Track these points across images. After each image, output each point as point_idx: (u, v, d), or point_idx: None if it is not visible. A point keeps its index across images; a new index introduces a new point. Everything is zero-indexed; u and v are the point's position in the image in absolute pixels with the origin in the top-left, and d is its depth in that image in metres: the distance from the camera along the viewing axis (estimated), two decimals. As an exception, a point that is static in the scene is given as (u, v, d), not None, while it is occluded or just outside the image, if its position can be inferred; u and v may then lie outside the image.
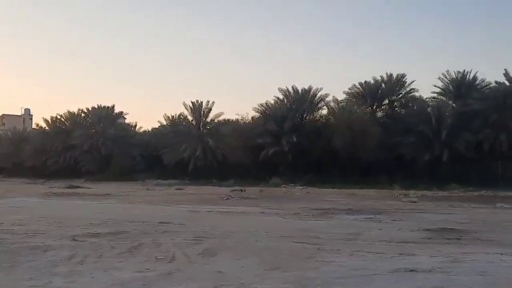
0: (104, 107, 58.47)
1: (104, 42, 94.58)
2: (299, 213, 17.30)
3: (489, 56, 75.36)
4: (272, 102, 46.77)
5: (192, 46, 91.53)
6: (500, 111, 37.36)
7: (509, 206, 21.52)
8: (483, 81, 43.82)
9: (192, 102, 51.08)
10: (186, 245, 9.48)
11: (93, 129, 57.61)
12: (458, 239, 11.00)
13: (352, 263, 7.99)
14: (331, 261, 8.15)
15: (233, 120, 51.00)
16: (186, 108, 51.55)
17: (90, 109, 59.47)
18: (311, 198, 26.43)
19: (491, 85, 42.72)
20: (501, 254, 8.87)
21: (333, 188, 34.63)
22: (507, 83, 41.00)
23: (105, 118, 57.42)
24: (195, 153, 48.08)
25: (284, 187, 37.13)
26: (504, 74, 41.81)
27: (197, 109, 50.87)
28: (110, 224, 12.91)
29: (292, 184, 38.33)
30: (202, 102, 50.75)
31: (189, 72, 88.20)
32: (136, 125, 61.24)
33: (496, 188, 32.76)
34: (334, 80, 79.11)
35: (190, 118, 52.17)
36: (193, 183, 42.54)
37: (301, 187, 36.28)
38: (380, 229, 12.77)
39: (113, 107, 58.58)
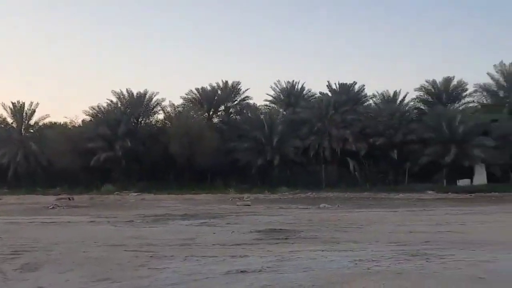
0: None
1: None
2: (132, 221, 16.67)
3: (315, 67, 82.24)
4: (105, 105, 44.89)
5: (17, 42, 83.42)
6: (324, 120, 40.89)
7: (331, 206, 23.53)
8: (309, 92, 47.82)
9: (12, 103, 46.41)
10: (2, 261, 8.44)
11: None
12: (286, 238, 11.57)
13: (186, 268, 7.85)
14: (164, 268, 7.91)
15: (61, 123, 47.60)
16: (5, 109, 46.71)
17: None
18: (146, 205, 25.80)
19: (316, 96, 46.68)
20: (323, 250, 9.52)
21: (169, 194, 34.37)
22: (329, 94, 45.11)
23: None
24: (16, 158, 43.67)
25: (117, 194, 35.73)
26: (327, 85, 46.05)
27: (19, 110, 46.28)
28: None
29: (126, 191, 37.06)
30: (24, 103, 46.37)
31: (10, 70, 79.99)
32: None
33: (320, 190, 35.78)
34: (171, 85, 78.60)
35: (10, 120, 47.35)
36: (14, 191, 38.63)
37: (136, 194, 35.28)
38: (214, 233, 12.87)
39: None
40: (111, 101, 45.00)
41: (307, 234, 12.37)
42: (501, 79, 42.64)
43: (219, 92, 47.02)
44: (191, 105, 46.32)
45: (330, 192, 34.16)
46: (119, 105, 45.04)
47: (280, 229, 13.59)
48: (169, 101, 45.44)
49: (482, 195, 31.36)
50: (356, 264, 8.08)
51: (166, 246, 10.38)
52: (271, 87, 48.34)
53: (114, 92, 44.93)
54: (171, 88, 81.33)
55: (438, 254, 8.89)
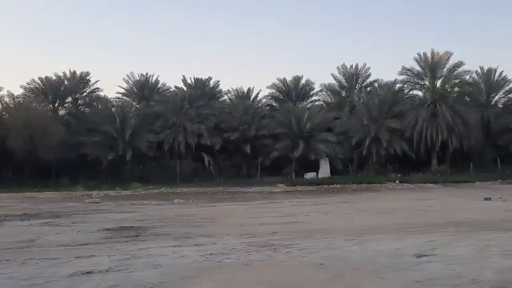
0: None
1: None
2: (-42, 224, 14.82)
3: (170, 61, 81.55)
4: None
5: None
6: (179, 114, 40.67)
7: (185, 201, 23.46)
8: (164, 85, 47.22)
9: None
10: None
11: None
12: (136, 236, 11.23)
13: (24, 273, 7.26)
14: (-3, 274, 7.17)
15: None
16: None
17: None
18: (-22, 205, 23.14)
19: (171, 89, 46.27)
20: (174, 246, 9.42)
21: (7, 192, 31.13)
22: (185, 88, 45.04)
23: None
24: None
25: None
26: (182, 80, 45.92)
27: None
28: None
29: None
30: None
31: None
32: None
33: (174, 185, 35.43)
34: (10, 74, 71.64)
35: None
36: None
37: (-36, 194, 31.43)
38: (58, 233, 12.01)
39: None
40: None
41: (159, 231, 12.15)
42: (343, 80, 46.49)
43: (66, 82, 44.00)
44: (33, 95, 42.70)
45: (185, 187, 33.99)
46: None
47: (131, 226, 13.17)
48: (8, 90, 41.39)
49: (326, 187, 33.83)
50: (207, 258, 8.14)
51: (0, 250, 9.43)
52: (124, 79, 46.83)
53: None
54: (10, 77, 74.14)
55: (285, 244, 9.34)
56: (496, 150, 40.55)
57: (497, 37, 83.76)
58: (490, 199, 20.33)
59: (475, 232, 10.73)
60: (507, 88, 43.57)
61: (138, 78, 46.68)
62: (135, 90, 46.70)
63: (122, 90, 46.89)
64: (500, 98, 44.38)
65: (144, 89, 46.08)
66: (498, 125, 41.04)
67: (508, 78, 43.04)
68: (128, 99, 46.76)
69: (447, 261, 7.50)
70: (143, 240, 10.49)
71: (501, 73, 42.97)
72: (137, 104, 45.20)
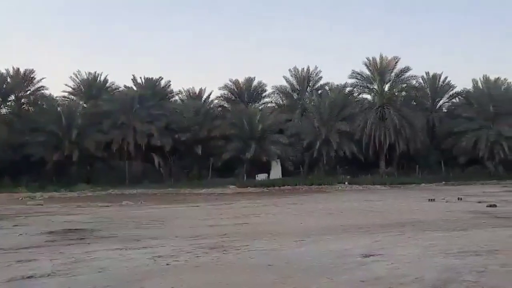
0: None
1: None
2: None
3: (120, 61, 79.76)
4: None
5: None
6: (128, 114, 39.79)
7: (134, 203, 23.00)
8: (113, 84, 46.03)
9: None
10: None
11: None
12: (81, 239, 10.88)
13: (-43, 280, 6.82)
14: None
15: None
16: None
17: None
18: None
19: (120, 89, 45.21)
20: (121, 249, 9.19)
21: None
22: (135, 88, 44.18)
23: None
24: None
25: None
26: (132, 79, 44.99)
27: None
28: None
29: None
30: None
31: None
32: None
33: (123, 186, 34.63)
34: None
35: None
36: None
37: None
38: (-3, 237, 11.51)
39: None
40: None
41: (106, 233, 11.84)
42: (294, 83, 46.94)
43: (8, 80, 42.11)
44: (-27, 93, 40.68)
45: (134, 188, 33.33)
46: None
47: (76, 229, 12.76)
48: None
49: (277, 189, 34.11)
50: (155, 260, 7.99)
51: None
52: (71, 77, 45.33)
53: None
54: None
55: (234, 246, 9.31)
56: (440, 153, 42.13)
57: (443, 43, 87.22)
58: (434, 200, 21.06)
59: (420, 232, 11.06)
60: (451, 93, 45.47)
61: (85, 77, 45.33)
62: (83, 89, 45.36)
63: (69, 89, 45.45)
64: (444, 103, 46.33)
65: (92, 88, 44.76)
66: (442, 129, 42.71)
67: (452, 84, 44.95)
68: (75, 98, 45.35)
69: (393, 260, 7.67)
70: (89, 243, 10.19)
71: (445, 79, 44.77)
72: (85, 103, 43.83)
